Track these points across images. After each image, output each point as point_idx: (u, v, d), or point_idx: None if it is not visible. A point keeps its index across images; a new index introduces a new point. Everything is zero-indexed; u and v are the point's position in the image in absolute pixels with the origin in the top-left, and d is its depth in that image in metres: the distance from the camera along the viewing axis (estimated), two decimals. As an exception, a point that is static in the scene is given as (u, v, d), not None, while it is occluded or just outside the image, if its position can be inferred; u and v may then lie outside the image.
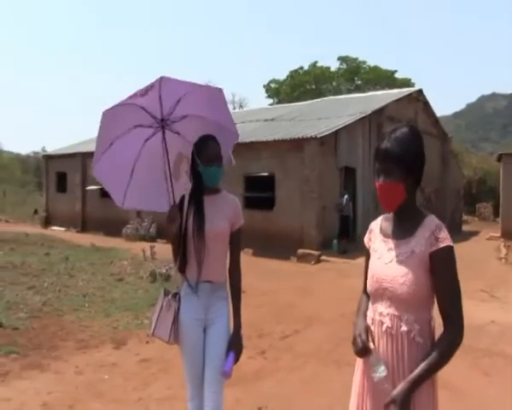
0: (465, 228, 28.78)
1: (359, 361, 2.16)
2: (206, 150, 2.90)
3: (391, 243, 2.07)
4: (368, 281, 2.14)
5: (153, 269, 10.54)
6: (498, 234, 21.75)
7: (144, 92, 2.88)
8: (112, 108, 2.91)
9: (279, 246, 15.17)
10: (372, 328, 2.07)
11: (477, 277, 11.77)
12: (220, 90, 3.13)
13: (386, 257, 2.06)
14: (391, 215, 2.16)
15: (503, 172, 22.50)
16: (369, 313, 2.13)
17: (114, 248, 15.84)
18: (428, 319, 2.00)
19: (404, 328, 1.96)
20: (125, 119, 3.03)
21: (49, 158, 27.60)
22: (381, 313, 2.04)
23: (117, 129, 3.05)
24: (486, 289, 10.47)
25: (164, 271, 10.22)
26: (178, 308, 2.94)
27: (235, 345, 2.90)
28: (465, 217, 33.80)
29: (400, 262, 1.99)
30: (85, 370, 5.31)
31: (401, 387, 1.88)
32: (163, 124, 3.06)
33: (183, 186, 3.12)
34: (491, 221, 32.90)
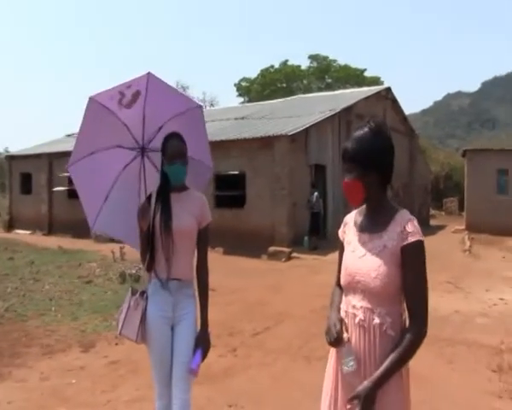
0: (432, 222, 29.32)
1: (332, 353, 2.18)
2: (168, 148, 2.91)
3: (364, 237, 2.10)
4: (341, 274, 2.16)
5: (122, 270, 10.42)
6: (463, 227, 22.26)
7: (130, 101, 2.97)
8: (98, 101, 2.93)
9: (250, 244, 15.16)
10: (345, 320, 2.09)
11: (443, 269, 12.02)
12: (199, 109, 3.26)
13: (359, 251, 2.08)
14: (364, 208, 2.18)
15: (467, 167, 23.06)
16: (343, 306, 2.15)
17: (83, 250, 15.61)
18: (400, 313, 2.03)
19: (376, 321, 1.98)
20: (108, 132, 3.08)
21: (12, 158, 26.70)
22: (353, 306, 2.06)
23: (99, 139, 3.10)
24: (451, 280, 10.74)
25: (134, 271, 10.11)
26: (146, 307, 2.93)
27: (202, 342, 2.90)
28: (432, 211, 34.42)
29: (373, 256, 2.01)
30: (51, 375, 5.17)
31: (366, 383, 1.90)
32: (143, 151, 3.14)
33: (109, 217, 3.17)
34: (457, 215, 33.56)
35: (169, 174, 2.93)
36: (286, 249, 14.62)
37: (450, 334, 6.63)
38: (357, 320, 2.03)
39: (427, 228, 24.29)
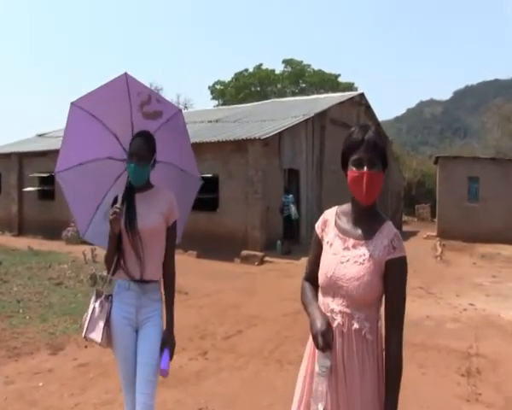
0: (405, 228, 29.72)
1: (308, 355, 2.16)
2: (131, 146, 2.88)
3: (348, 242, 2.07)
4: (320, 275, 2.11)
5: (93, 272, 10.25)
6: (435, 233, 22.60)
7: (150, 114, 3.00)
8: (127, 82, 2.86)
9: (223, 247, 15.12)
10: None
11: (415, 274, 12.16)
12: (199, 182, 3.34)
13: (341, 255, 2.05)
14: (348, 210, 2.15)
15: (439, 174, 23.41)
16: (320, 306, 2.12)
17: (54, 251, 15.37)
18: (377, 318, 2.04)
19: (355, 326, 1.98)
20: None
21: (-19, 158, 26.09)
22: (332, 310, 2.04)
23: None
24: (423, 285, 10.86)
25: (105, 274, 9.95)
26: (110, 310, 2.88)
27: (168, 342, 2.84)
28: (405, 217, 34.93)
29: (357, 264, 2.00)
30: (17, 379, 5.04)
31: None
32: None
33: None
34: (430, 221, 34.11)
35: (128, 173, 2.89)
36: (259, 253, 14.64)
37: (421, 339, 6.70)
38: (335, 325, 2.01)
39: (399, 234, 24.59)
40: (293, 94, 48.45)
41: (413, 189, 42.06)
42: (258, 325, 7.40)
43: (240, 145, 16.03)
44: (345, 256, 2.05)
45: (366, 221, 2.07)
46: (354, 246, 2.04)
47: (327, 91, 43.88)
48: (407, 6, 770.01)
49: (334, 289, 2.04)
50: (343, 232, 2.11)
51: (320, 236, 2.21)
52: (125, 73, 2.84)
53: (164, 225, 2.91)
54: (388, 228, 2.04)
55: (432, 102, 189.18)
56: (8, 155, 23.66)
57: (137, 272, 2.84)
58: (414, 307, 8.50)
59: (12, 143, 27.77)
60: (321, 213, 2.29)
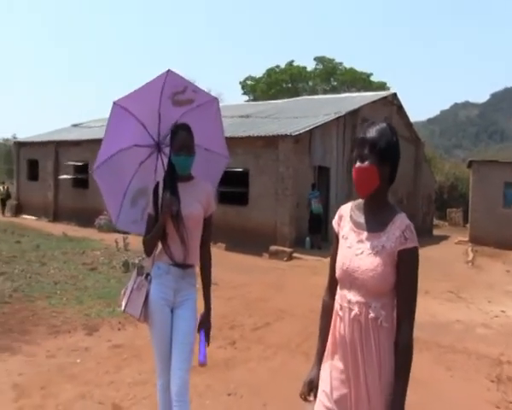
0: (436, 232, 29.27)
1: (329, 349, 2.25)
2: (176, 139, 3.02)
3: (362, 235, 2.13)
4: (337, 268, 2.19)
5: (126, 259, 10.54)
6: (467, 239, 22.24)
7: (180, 102, 3.19)
8: (168, 79, 3.03)
9: (252, 242, 15.25)
10: (340, 313, 2.14)
11: (445, 278, 12.09)
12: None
13: (356, 248, 2.12)
14: (362, 204, 2.21)
15: (472, 178, 22.96)
16: (337, 299, 2.20)
17: (87, 238, 15.76)
18: (392, 305, 2.10)
19: (372, 315, 2.04)
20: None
21: (20, 145, 26.89)
22: (349, 301, 2.10)
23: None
24: (453, 289, 10.74)
25: (137, 261, 10.21)
26: (149, 289, 3.06)
27: (205, 323, 3.05)
28: (436, 221, 34.38)
29: (371, 256, 2.06)
30: (57, 353, 5.33)
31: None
32: (159, 147, 3.28)
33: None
34: (462, 226, 33.39)
35: (175, 164, 3.04)
36: (287, 249, 14.71)
37: (450, 342, 6.64)
38: (352, 315, 2.08)
39: (430, 237, 24.26)
40: (325, 92, 48.22)
41: (445, 192, 41.42)
42: (286, 319, 7.50)
43: (271, 141, 16.07)
44: (359, 248, 2.12)
45: (379, 214, 2.13)
46: (368, 238, 2.11)
47: (358, 90, 43.54)
48: (442, 6, 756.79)
49: (350, 280, 2.11)
50: (357, 226, 2.18)
51: (337, 230, 2.29)
52: (168, 70, 3.01)
53: (202, 215, 3.09)
54: (400, 220, 2.08)
55: (467, 105, 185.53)
56: (45, 144, 24.37)
57: (181, 257, 3.01)
58: (442, 310, 8.48)
59: (49, 132, 28.42)
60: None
